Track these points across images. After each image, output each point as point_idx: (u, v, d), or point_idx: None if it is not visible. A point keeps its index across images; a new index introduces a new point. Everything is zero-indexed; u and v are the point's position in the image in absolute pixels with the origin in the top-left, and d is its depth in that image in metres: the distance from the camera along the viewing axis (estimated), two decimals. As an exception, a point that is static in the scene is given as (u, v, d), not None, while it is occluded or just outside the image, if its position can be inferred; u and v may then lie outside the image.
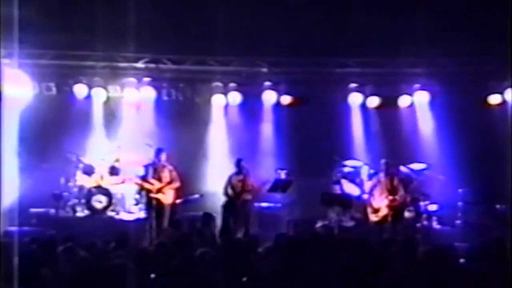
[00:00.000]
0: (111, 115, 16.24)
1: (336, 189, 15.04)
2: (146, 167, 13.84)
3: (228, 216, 14.05)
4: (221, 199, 14.40)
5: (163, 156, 13.65)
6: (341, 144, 15.97)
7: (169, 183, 13.59)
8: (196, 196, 14.83)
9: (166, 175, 13.60)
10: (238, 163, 14.25)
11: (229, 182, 14.22)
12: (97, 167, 15.32)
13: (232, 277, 6.41)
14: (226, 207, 14.15)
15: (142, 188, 13.99)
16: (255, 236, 10.17)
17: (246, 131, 16.37)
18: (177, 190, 13.79)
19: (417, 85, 16.22)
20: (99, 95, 16.08)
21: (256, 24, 14.83)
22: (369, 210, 13.73)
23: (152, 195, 13.57)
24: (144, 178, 13.71)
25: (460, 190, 15.00)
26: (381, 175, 13.71)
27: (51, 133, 15.41)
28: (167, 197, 13.62)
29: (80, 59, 15.70)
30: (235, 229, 13.73)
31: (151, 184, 13.56)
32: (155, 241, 11.00)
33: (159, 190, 13.53)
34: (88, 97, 16.04)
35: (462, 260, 6.90)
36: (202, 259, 6.66)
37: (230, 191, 14.16)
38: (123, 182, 15.22)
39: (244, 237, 12.70)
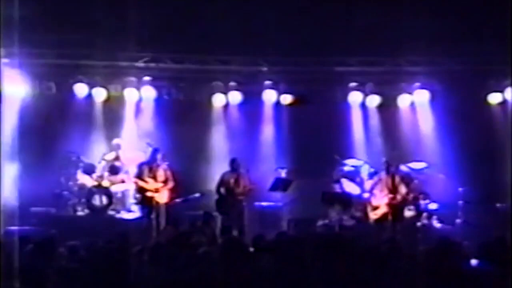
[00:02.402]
0: (111, 114, 16.23)
1: (337, 188, 15.03)
2: (141, 165, 13.90)
3: (221, 214, 14.07)
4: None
5: (159, 156, 13.75)
6: (341, 143, 15.96)
7: (164, 182, 13.69)
8: (197, 195, 14.83)
9: (161, 174, 13.70)
10: (232, 162, 14.28)
11: (222, 180, 14.25)
12: (97, 166, 15.33)
13: (231, 276, 6.40)
14: (218, 205, 14.19)
15: (137, 187, 14.04)
16: (247, 236, 10.15)
17: (246, 130, 16.36)
18: (171, 190, 13.86)
19: (417, 84, 16.21)
20: (99, 95, 16.05)
21: (256, 23, 14.83)
22: (368, 208, 13.76)
23: (148, 194, 13.66)
24: (139, 177, 13.79)
25: (460, 189, 14.97)
26: (382, 173, 13.73)
27: (51, 132, 15.42)
28: (162, 196, 13.72)
29: (80, 59, 15.66)
30: (230, 228, 13.72)
31: (146, 182, 13.64)
32: (154, 240, 11.01)
33: (154, 189, 13.61)
34: (89, 96, 16.02)
35: (463, 260, 6.88)
36: (203, 257, 6.66)
37: (222, 189, 14.20)
38: (123, 181, 15.22)
39: (239, 235, 12.75)
